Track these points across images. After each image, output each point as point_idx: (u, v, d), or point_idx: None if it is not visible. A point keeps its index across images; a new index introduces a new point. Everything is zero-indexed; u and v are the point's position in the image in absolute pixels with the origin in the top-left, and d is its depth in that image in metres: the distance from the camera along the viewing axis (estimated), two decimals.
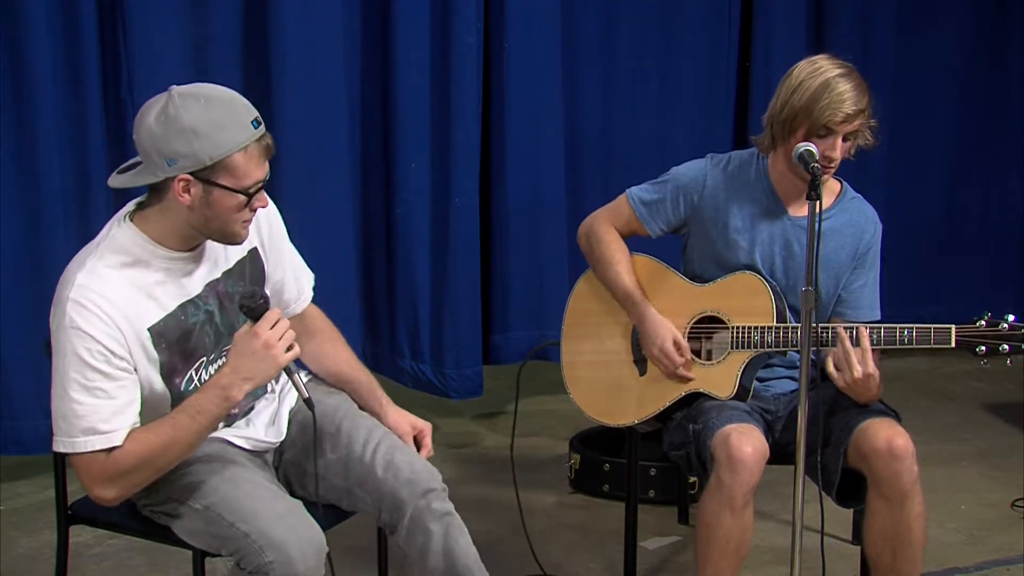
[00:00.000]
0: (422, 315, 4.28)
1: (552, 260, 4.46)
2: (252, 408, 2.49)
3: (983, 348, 2.62)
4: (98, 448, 2.16)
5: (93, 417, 2.16)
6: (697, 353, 2.86)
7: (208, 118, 2.14)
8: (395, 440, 2.50)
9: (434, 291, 4.29)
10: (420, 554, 2.41)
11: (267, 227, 2.47)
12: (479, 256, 4.36)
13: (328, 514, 2.44)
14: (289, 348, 2.21)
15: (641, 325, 2.88)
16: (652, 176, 2.98)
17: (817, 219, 2.41)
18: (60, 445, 2.19)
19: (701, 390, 2.83)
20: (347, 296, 4.15)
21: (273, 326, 2.20)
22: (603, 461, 3.84)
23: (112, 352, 2.16)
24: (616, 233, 2.95)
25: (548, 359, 3.89)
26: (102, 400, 2.16)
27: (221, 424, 2.42)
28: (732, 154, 2.93)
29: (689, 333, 2.86)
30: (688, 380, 2.84)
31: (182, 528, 2.32)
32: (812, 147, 2.60)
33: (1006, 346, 2.61)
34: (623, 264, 2.92)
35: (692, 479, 3.63)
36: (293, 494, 2.44)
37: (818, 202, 2.42)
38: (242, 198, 2.20)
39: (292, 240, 2.60)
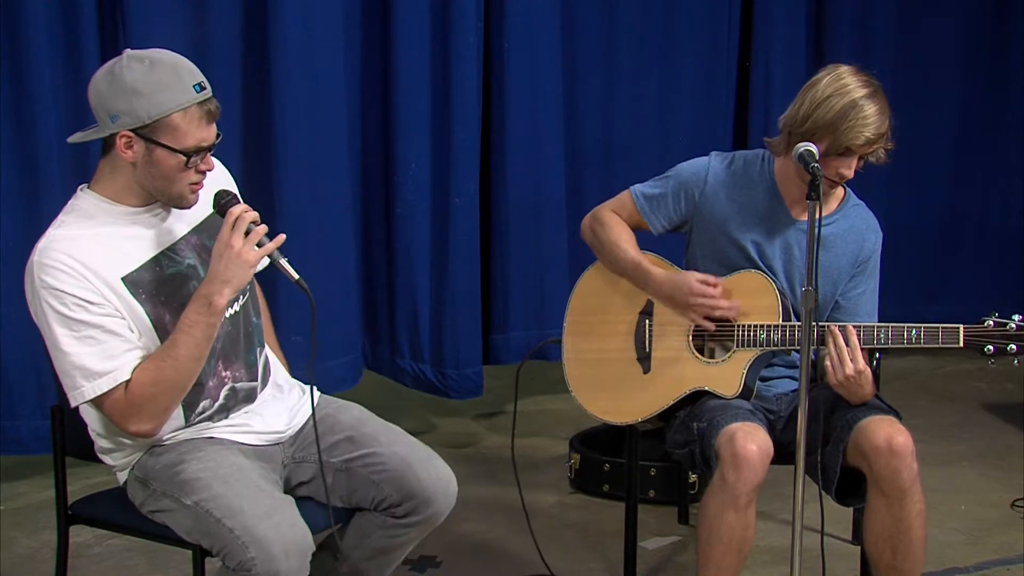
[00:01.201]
0: (422, 315, 4.28)
1: (552, 260, 4.46)
2: (254, 399, 2.50)
3: (991, 348, 2.63)
4: (105, 389, 2.24)
5: (91, 362, 2.23)
6: (701, 351, 2.86)
7: (150, 79, 2.23)
8: (423, 448, 2.55)
9: (434, 291, 4.29)
10: (392, 544, 2.51)
11: (227, 185, 2.50)
12: (479, 256, 4.36)
13: (336, 511, 2.47)
14: (261, 244, 2.27)
15: (659, 289, 2.87)
16: (652, 176, 2.98)
17: (817, 220, 2.41)
18: (72, 399, 2.27)
19: (705, 388, 2.83)
20: (347, 296, 4.15)
21: (235, 225, 2.25)
22: (603, 461, 3.84)
23: (87, 301, 2.23)
24: (619, 218, 2.95)
25: (548, 359, 3.89)
26: (94, 347, 2.23)
27: (234, 415, 2.45)
28: (737, 153, 2.93)
29: (694, 332, 2.86)
30: (734, 313, 2.79)
31: (176, 524, 2.33)
32: (812, 147, 2.59)
33: (1014, 346, 2.62)
34: (628, 241, 2.93)
35: (692, 479, 3.63)
36: (300, 496, 2.46)
37: (817, 203, 2.42)
38: (182, 158, 2.26)
39: (292, 238, 2.60)
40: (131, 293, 2.29)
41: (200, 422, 2.42)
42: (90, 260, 2.25)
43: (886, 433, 2.61)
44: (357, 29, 4.11)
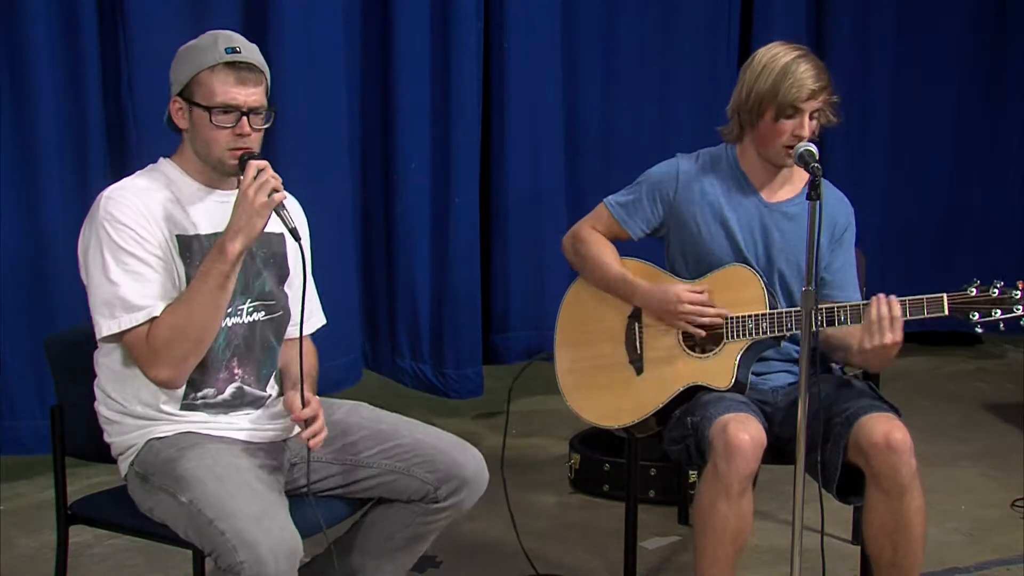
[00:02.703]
0: (422, 315, 4.29)
1: (552, 260, 4.45)
2: (260, 406, 2.51)
3: (976, 315, 2.63)
4: (141, 321, 2.32)
5: (133, 296, 2.32)
6: (692, 348, 2.87)
7: (193, 45, 2.41)
8: (448, 433, 2.59)
9: (434, 291, 4.29)
10: (426, 530, 2.58)
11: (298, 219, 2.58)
12: (479, 256, 4.36)
13: (339, 506, 2.50)
14: (271, 193, 2.33)
15: (645, 301, 2.88)
16: None
17: (817, 220, 2.42)
18: (104, 328, 2.33)
19: (699, 383, 2.83)
20: (347, 296, 4.15)
21: (255, 177, 2.33)
22: (603, 461, 3.84)
23: (142, 237, 2.34)
24: (599, 234, 2.98)
25: (548, 360, 3.88)
26: (140, 282, 2.33)
27: (237, 413, 2.46)
28: (702, 150, 2.97)
29: (684, 330, 2.87)
30: (722, 318, 2.80)
31: (172, 520, 2.34)
32: (812, 147, 2.62)
33: (998, 311, 2.62)
34: (610, 256, 2.95)
35: (692, 479, 3.63)
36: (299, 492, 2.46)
37: (818, 202, 2.43)
38: (207, 114, 2.36)
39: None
40: (179, 251, 2.38)
41: (200, 409, 2.43)
42: (156, 210, 2.37)
43: (884, 430, 2.61)
44: (357, 29, 4.12)
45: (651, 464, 3.71)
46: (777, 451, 2.74)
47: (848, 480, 2.71)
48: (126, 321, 2.32)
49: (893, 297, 2.66)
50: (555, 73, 4.43)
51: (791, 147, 2.72)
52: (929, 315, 2.66)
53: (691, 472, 3.61)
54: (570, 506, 3.82)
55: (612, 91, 4.64)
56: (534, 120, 4.39)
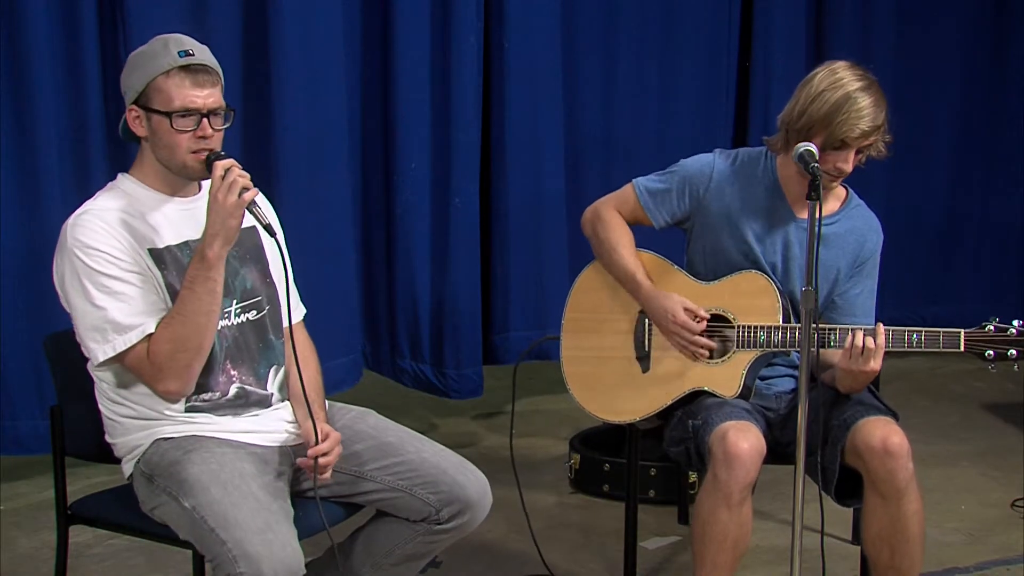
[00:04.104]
0: (422, 315, 4.28)
1: (552, 260, 4.46)
2: (267, 405, 2.50)
3: (991, 353, 2.65)
4: (135, 342, 2.31)
5: (121, 316, 2.31)
6: None
7: (143, 52, 2.41)
8: (452, 453, 2.57)
9: (434, 291, 4.29)
10: (427, 549, 2.54)
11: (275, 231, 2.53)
12: (479, 256, 4.36)
13: (337, 509, 2.50)
14: (241, 192, 2.30)
15: (647, 304, 2.87)
16: None
17: (817, 219, 2.42)
18: (100, 353, 2.32)
19: (705, 388, 2.83)
20: (347, 296, 4.15)
21: (223, 178, 2.31)
22: (603, 461, 3.84)
23: (116, 257, 2.32)
24: (621, 218, 2.95)
25: (548, 358, 3.89)
26: (125, 302, 2.31)
27: (241, 414, 2.45)
28: (740, 150, 2.93)
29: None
30: (710, 349, 2.81)
31: (174, 522, 2.34)
32: (812, 147, 2.60)
33: (1014, 351, 2.64)
34: (627, 247, 2.92)
35: (692, 479, 3.63)
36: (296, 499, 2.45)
37: (817, 202, 2.43)
38: (167, 119, 2.35)
39: (292, 238, 2.62)
40: (155, 263, 2.37)
41: (205, 411, 2.42)
42: (121, 227, 2.35)
43: (882, 434, 2.62)
44: (357, 29, 4.11)
45: (651, 464, 3.71)
46: (777, 454, 2.74)
47: (846, 482, 2.71)
48: (120, 343, 2.31)
49: (879, 326, 2.67)
50: (555, 73, 4.42)
51: (831, 175, 2.71)
52: (944, 349, 2.67)
53: (691, 472, 3.61)
54: (570, 506, 3.83)
55: (612, 91, 4.63)
56: (534, 120, 4.38)
